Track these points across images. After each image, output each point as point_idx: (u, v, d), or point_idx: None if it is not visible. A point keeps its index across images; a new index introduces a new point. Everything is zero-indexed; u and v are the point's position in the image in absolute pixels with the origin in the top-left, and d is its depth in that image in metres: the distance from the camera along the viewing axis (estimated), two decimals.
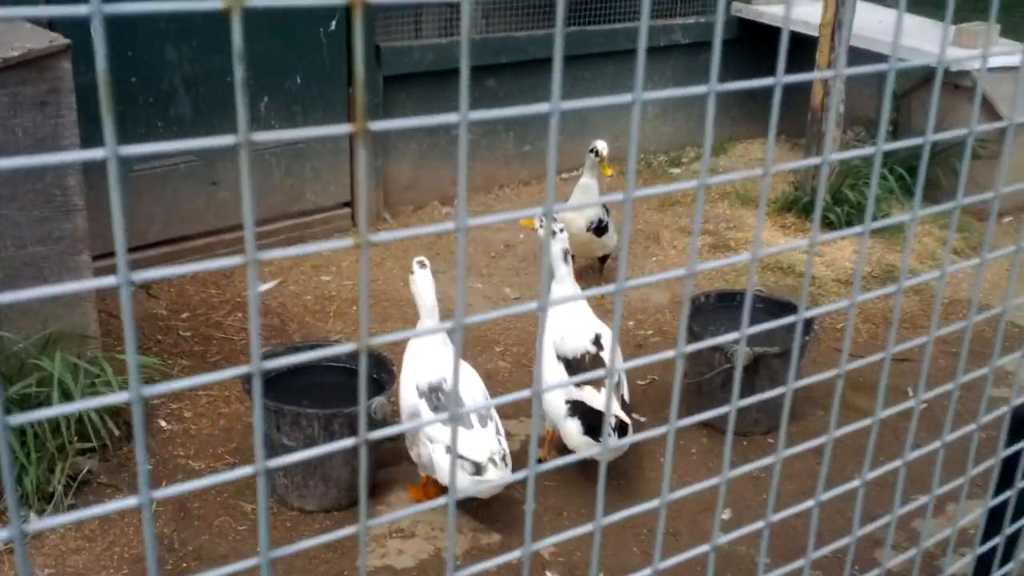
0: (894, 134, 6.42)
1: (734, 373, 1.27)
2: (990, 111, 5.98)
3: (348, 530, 0.90)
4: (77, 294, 3.42)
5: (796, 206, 5.91)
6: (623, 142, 6.11)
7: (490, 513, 3.33)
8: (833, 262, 5.43)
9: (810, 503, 1.27)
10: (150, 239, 4.83)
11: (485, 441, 3.06)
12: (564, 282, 3.56)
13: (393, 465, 3.55)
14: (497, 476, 3.00)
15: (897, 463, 1.38)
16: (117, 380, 3.35)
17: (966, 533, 3.19)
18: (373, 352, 3.47)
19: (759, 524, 1.22)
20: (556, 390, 3.36)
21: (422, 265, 3.31)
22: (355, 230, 5.42)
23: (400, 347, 3.65)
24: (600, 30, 6.25)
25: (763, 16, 6.76)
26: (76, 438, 3.24)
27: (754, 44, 6.83)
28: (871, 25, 6.31)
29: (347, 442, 0.86)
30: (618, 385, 3.41)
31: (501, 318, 4.56)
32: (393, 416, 3.36)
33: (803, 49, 5.91)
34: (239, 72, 0.70)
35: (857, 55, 6.06)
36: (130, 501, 0.77)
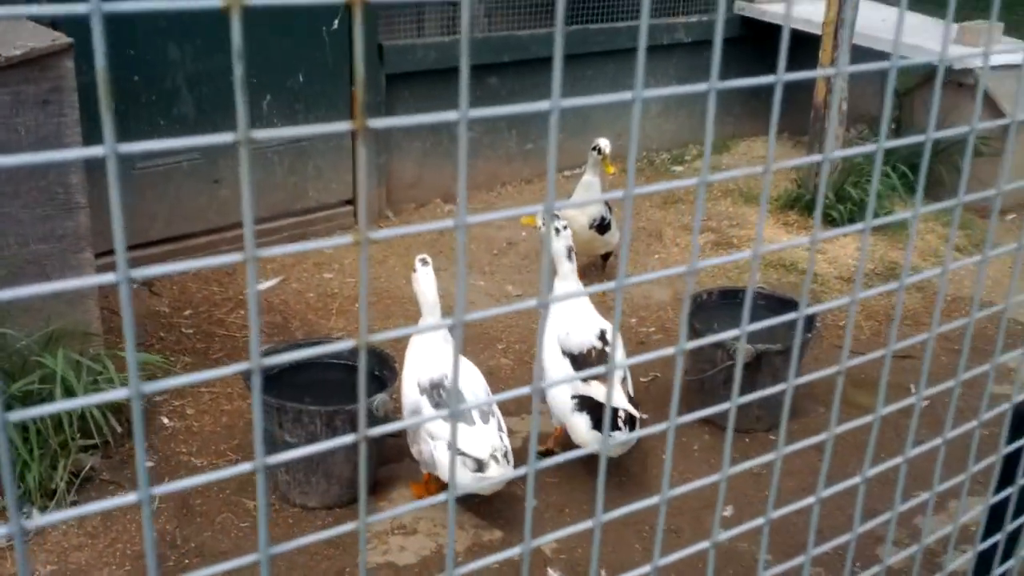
0: (897, 132, 6.42)
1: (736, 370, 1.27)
2: (993, 109, 5.98)
3: (348, 526, 0.91)
4: (79, 291, 3.42)
5: (799, 204, 5.90)
6: (625, 140, 6.11)
7: (492, 510, 3.33)
8: (836, 259, 5.43)
9: (811, 500, 1.27)
10: (153, 237, 4.84)
11: (487, 438, 3.06)
12: (567, 279, 3.56)
13: (395, 462, 3.55)
14: (499, 473, 3.00)
15: (898, 460, 1.38)
16: (119, 377, 3.36)
17: (967, 530, 3.19)
18: (375, 349, 3.47)
19: (760, 520, 1.22)
20: (562, 386, 3.37)
21: (424, 263, 3.31)
22: (357, 227, 5.43)
23: (403, 344, 3.65)
24: (602, 29, 6.25)
25: (766, 14, 6.76)
26: (79, 435, 3.25)
27: (757, 42, 6.83)
28: (874, 23, 6.31)
29: (347, 438, 0.86)
30: (624, 381, 3.42)
31: (503, 315, 4.56)
32: (395, 413, 3.37)
33: (806, 47, 5.91)
34: (238, 70, 0.70)
35: (860, 53, 6.05)
36: (130, 497, 0.77)
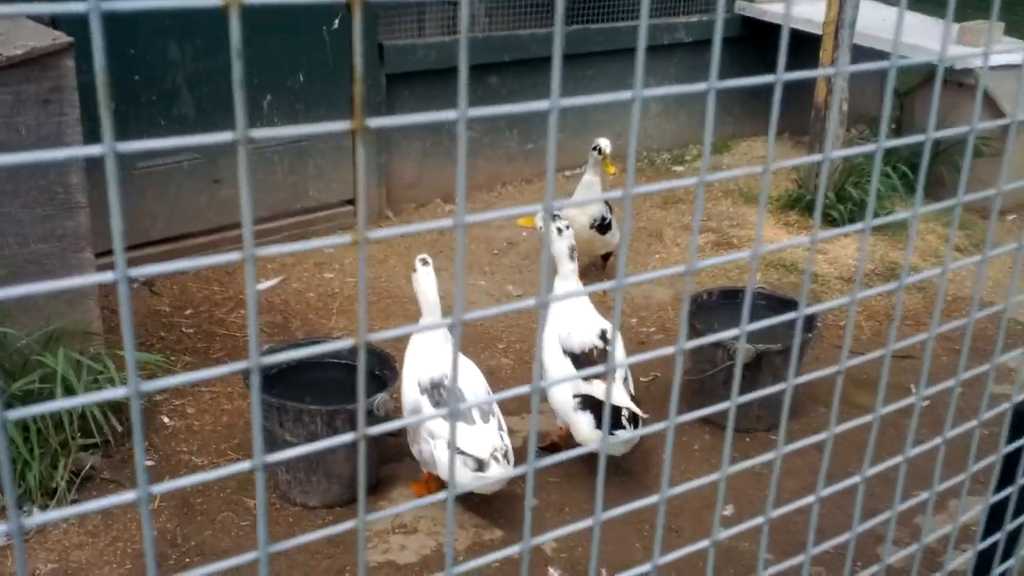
0: (897, 132, 6.41)
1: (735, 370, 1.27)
2: (993, 109, 5.97)
3: (348, 525, 0.91)
4: (80, 291, 3.42)
5: (799, 204, 5.90)
6: (625, 140, 6.11)
7: (492, 509, 3.33)
8: (836, 259, 5.43)
9: (811, 499, 1.27)
10: (153, 237, 4.84)
11: (487, 437, 3.06)
12: (568, 279, 3.56)
13: (396, 461, 3.55)
14: (499, 472, 3.00)
15: (898, 459, 1.38)
16: (119, 376, 3.36)
17: (967, 529, 3.19)
18: (376, 349, 3.47)
19: (760, 519, 1.22)
20: (564, 385, 3.37)
21: (424, 263, 3.31)
22: (356, 227, 5.43)
23: (403, 344, 3.65)
24: (603, 28, 6.25)
25: (766, 14, 6.76)
26: (79, 434, 3.25)
27: (757, 42, 6.83)
28: (874, 23, 6.31)
29: (346, 437, 0.86)
30: (625, 380, 3.42)
31: (503, 315, 4.56)
32: (395, 412, 3.37)
33: (807, 47, 5.91)
34: (237, 69, 0.70)
35: (861, 53, 6.05)
36: (129, 496, 0.77)
